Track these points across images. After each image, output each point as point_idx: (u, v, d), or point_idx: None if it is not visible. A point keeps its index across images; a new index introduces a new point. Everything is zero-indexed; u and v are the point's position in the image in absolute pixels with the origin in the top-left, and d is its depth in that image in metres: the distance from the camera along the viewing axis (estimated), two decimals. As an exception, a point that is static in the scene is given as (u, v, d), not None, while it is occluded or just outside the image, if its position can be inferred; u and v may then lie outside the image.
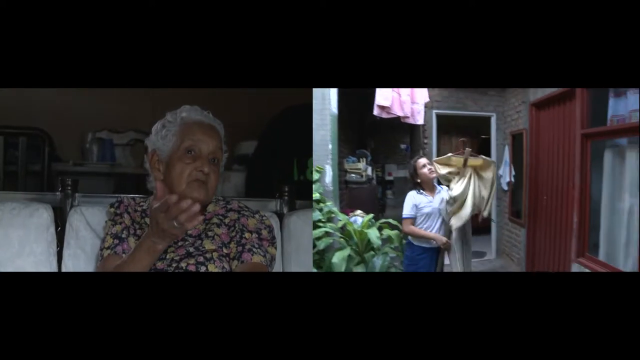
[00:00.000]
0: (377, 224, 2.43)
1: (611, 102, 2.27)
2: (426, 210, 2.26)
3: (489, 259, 4.20)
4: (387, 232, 2.42)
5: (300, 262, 1.51)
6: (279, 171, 2.03)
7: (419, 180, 2.29)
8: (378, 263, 2.19)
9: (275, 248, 1.34)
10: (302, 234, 1.53)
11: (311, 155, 2.03)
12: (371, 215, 2.46)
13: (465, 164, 2.28)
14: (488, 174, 2.31)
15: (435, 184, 2.34)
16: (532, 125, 3.27)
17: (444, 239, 2.22)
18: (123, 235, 1.26)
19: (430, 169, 2.28)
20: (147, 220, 1.28)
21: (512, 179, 3.73)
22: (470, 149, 2.33)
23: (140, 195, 1.41)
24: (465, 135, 5.59)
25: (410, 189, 2.37)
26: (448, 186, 2.35)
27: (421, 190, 2.29)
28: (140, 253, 1.11)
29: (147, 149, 1.32)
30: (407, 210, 2.26)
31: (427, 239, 2.27)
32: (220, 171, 1.32)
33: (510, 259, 3.93)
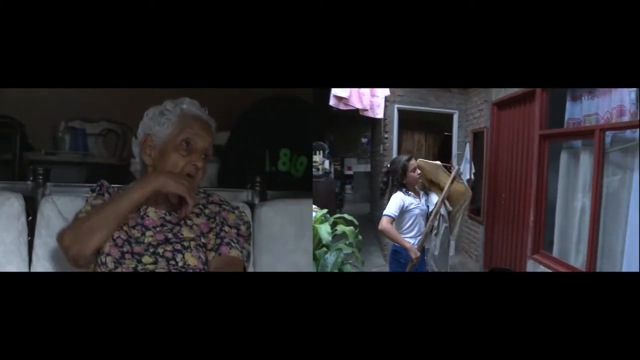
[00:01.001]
0: (331, 219, 2.33)
1: (568, 105, 2.42)
2: (416, 211, 2.22)
3: (449, 255, 4.36)
4: (341, 227, 2.32)
5: (271, 251, 1.56)
6: (251, 162, 2.03)
7: (404, 182, 2.22)
8: (330, 260, 2.10)
9: (250, 244, 1.38)
10: (273, 224, 1.57)
11: (284, 147, 2.05)
12: (325, 210, 2.36)
13: (452, 182, 2.24)
14: (460, 201, 2.30)
15: (417, 188, 2.31)
16: (493, 124, 3.41)
17: (418, 254, 2.16)
18: None
19: (419, 173, 2.24)
20: None
21: (472, 177, 3.88)
22: (459, 167, 2.32)
23: (118, 185, 1.42)
24: (427, 131, 5.75)
25: (389, 188, 2.30)
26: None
27: (409, 192, 2.23)
28: (124, 198, 1.20)
29: (138, 133, 1.33)
30: (391, 209, 2.19)
31: (400, 244, 2.21)
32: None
33: (469, 255, 4.10)
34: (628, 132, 1.98)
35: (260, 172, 1.85)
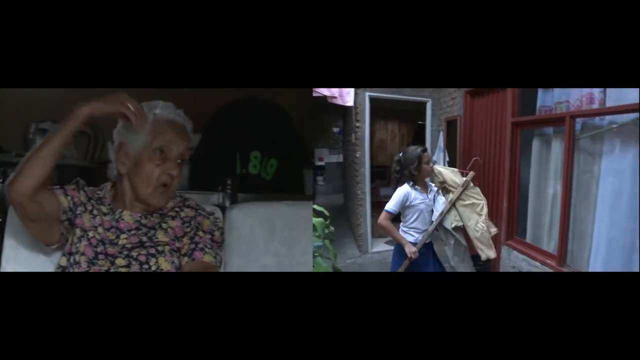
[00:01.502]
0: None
1: (540, 92, 2.48)
2: (421, 206, 2.20)
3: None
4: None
5: (241, 253, 1.57)
6: (222, 165, 2.04)
7: (416, 173, 2.17)
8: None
9: (222, 250, 1.39)
10: (243, 226, 1.58)
11: (255, 149, 2.06)
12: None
13: (464, 187, 2.19)
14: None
15: (428, 182, 2.30)
16: (466, 112, 3.47)
17: (413, 249, 2.17)
18: (76, 202, 1.28)
19: (432, 166, 2.22)
20: (102, 208, 1.30)
21: (446, 165, 3.95)
22: (474, 173, 2.24)
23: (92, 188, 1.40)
24: (401, 120, 5.79)
25: (397, 180, 2.27)
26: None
27: (416, 186, 2.20)
28: (57, 133, 1.17)
29: (114, 139, 1.31)
30: (390, 205, 2.19)
31: (397, 240, 2.23)
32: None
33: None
34: (597, 119, 2.05)
35: (231, 175, 1.85)
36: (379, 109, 4.59)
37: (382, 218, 2.20)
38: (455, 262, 2.27)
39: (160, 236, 1.27)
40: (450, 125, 3.90)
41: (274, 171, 2.15)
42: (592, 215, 2.08)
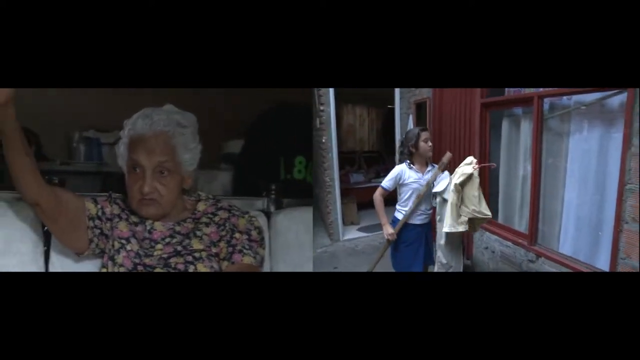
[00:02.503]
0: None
1: (508, 73, 2.52)
2: (413, 185, 2.23)
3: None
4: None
5: (287, 260, 1.57)
6: (265, 170, 2.03)
7: (414, 151, 2.23)
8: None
9: (264, 248, 1.38)
10: (289, 232, 1.59)
11: (299, 154, 2.06)
12: None
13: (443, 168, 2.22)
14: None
15: (428, 162, 2.31)
16: (435, 94, 3.50)
17: (390, 231, 2.24)
18: (108, 216, 1.32)
19: (430, 145, 2.25)
20: (133, 218, 1.33)
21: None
22: (450, 154, 2.24)
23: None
24: (369, 104, 5.80)
25: (399, 159, 2.34)
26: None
27: (412, 165, 2.25)
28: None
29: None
30: (386, 181, 2.26)
31: (378, 218, 2.29)
32: (189, 169, 1.34)
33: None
34: (564, 99, 2.10)
35: (275, 180, 1.86)
36: (345, 93, 4.54)
37: (376, 193, 2.29)
38: (444, 242, 2.29)
39: (195, 244, 1.29)
40: (420, 107, 3.92)
41: (310, 174, 2.19)
42: (562, 194, 2.14)
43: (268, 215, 1.62)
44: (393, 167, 2.36)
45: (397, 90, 4.40)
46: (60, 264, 1.38)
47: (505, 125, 2.59)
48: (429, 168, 2.30)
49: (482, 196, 2.10)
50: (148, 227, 1.31)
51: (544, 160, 2.21)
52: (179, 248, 1.28)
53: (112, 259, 1.28)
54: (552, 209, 2.21)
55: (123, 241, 1.29)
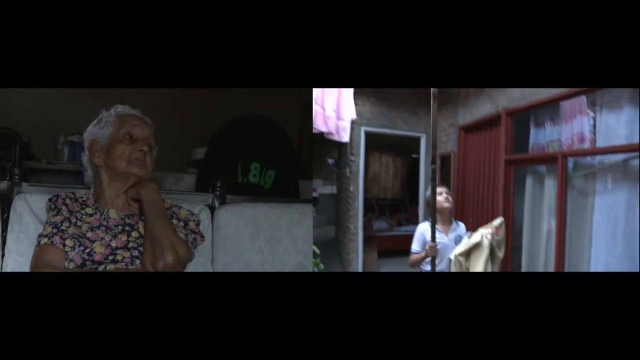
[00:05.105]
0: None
1: (532, 131, 2.58)
2: (437, 246, 2.06)
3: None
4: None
5: (227, 250, 1.76)
6: (224, 173, 2.28)
7: (429, 208, 2.11)
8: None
9: (202, 238, 1.54)
10: (229, 225, 1.77)
11: (255, 161, 2.33)
12: None
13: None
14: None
15: (452, 218, 2.25)
16: (460, 148, 3.56)
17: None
18: (63, 227, 1.38)
19: (446, 197, 2.18)
20: (87, 210, 1.44)
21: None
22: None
23: (79, 186, 1.60)
24: (395, 153, 5.88)
25: (425, 218, 2.34)
26: None
27: (433, 223, 2.06)
28: None
29: (85, 144, 1.51)
30: (414, 245, 2.22)
31: (423, 259, 2.18)
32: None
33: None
34: (588, 158, 2.14)
35: (233, 182, 2.12)
36: (374, 143, 4.61)
37: (409, 260, 2.27)
38: None
39: (136, 235, 1.40)
40: (444, 160, 3.98)
41: (272, 181, 2.41)
42: (588, 252, 2.13)
43: (212, 209, 1.80)
44: (416, 215, 2.38)
45: (422, 142, 4.48)
46: (16, 247, 1.49)
47: (529, 181, 2.63)
48: (454, 226, 2.27)
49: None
50: (104, 216, 1.43)
51: (569, 218, 2.22)
52: (128, 239, 1.38)
53: (68, 255, 1.34)
54: (577, 266, 2.19)
55: (75, 239, 1.36)
